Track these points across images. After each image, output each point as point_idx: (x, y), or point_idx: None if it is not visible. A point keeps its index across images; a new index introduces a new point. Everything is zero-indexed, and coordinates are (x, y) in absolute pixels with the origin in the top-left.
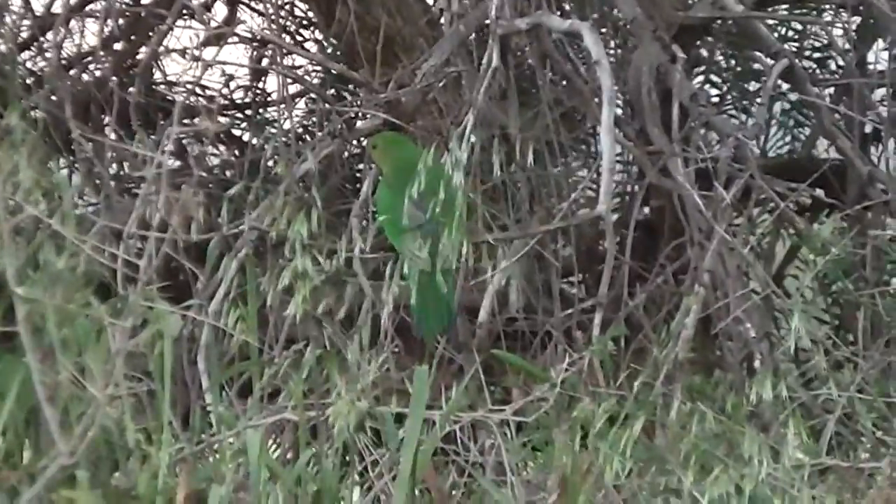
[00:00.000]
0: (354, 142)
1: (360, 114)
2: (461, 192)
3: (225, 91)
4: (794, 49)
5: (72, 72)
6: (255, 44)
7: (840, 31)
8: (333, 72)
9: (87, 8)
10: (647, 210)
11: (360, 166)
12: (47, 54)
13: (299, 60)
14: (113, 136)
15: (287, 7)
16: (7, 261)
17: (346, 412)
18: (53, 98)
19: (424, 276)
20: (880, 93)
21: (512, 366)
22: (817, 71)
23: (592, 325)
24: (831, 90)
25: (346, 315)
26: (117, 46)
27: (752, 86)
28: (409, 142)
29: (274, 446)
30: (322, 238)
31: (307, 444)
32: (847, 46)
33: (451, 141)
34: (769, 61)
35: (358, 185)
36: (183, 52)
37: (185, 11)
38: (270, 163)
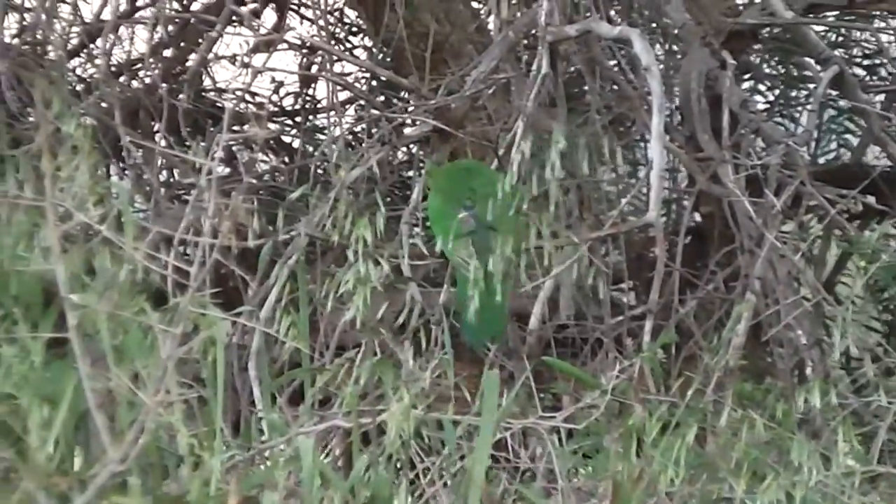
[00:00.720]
0: (403, 148)
1: (409, 120)
2: (515, 199)
3: (274, 98)
4: (843, 56)
5: (121, 78)
6: (304, 50)
7: (890, 38)
8: (382, 78)
9: (137, 15)
10: (697, 217)
11: (410, 172)
12: (97, 61)
13: (348, 67)
14: (162, 142)
15: (336, 14)
16: (58, 268)
17: (402, 419)
18: (103, 105)
19: (474, 296)
20: None
21: (562, 372)
22: (867, 77)
23: (643, 332)
24: (881, 97)
25: (394, 321)
26: (167, 53)
27: (796, 92)
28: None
29: (325, 453)
30: (383, 243)
31: (359, 452)
32: None
33: (501, 148)
34: (818, 68)
35: (407, 192)
36: (232, 59)
37: (234, 18)
38: (320, 170)
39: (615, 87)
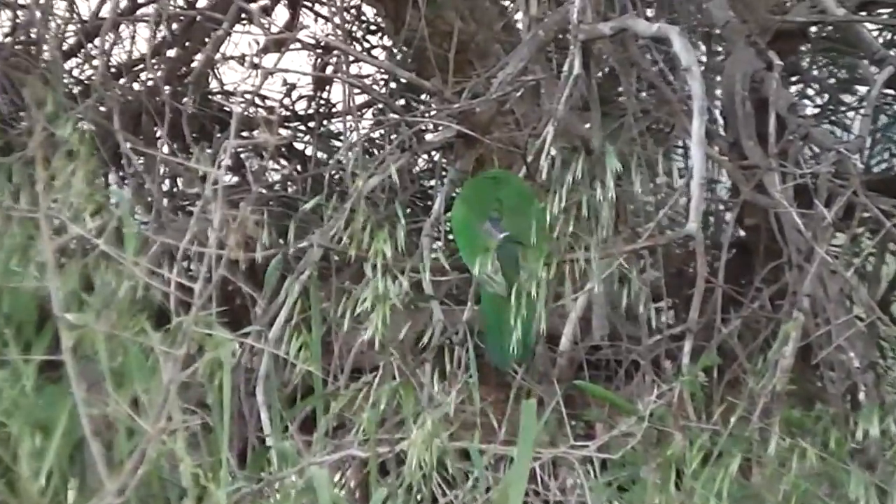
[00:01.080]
0: (425, 155)
1: (430, 125)
2: (543, 210)
3: (286, 101)
4: None
5: (121, 80)
6: (318, 50)
7: None
8: (403, 80)
9: (138, 12)
10: (741, 229)
11: (432, 181)
12: (95, 62)
13: (366, 68)
14: (165, 149)
15: (353, 11)
16: (53, 285)
17: (423, 448)
18: (101, 108)
19: (501, 301)
20: None
21: (595, 397)
22: None
23: (682, 353)
24: None
25: (414, 342)
26: (170, 53)
27: (848, 95)
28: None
29: (339, 485)
30: (403, 258)
31: (377, 483)
32: None
33: (530, 155)
34: (872, 69)
35: (429, 202)
36: (241, 60)
37: (242, 16)
38: (335, 178)
39: (653, 89)
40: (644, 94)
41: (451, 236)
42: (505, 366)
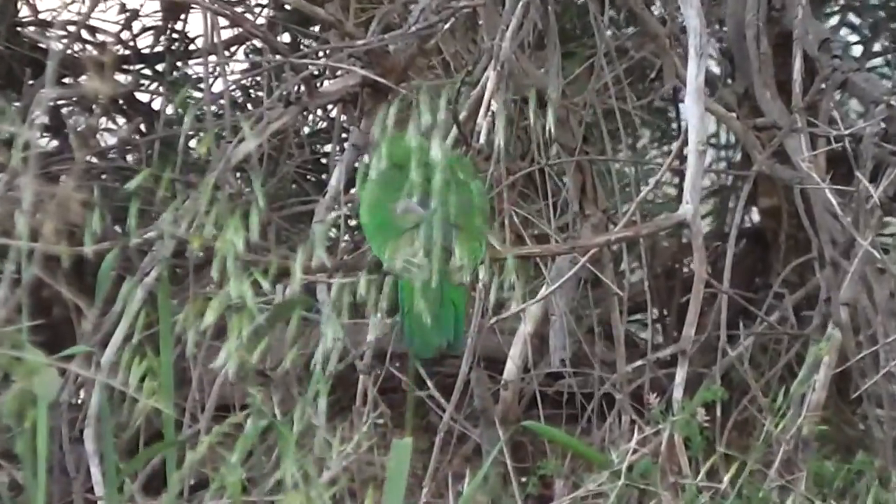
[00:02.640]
0: (319, 111)
1: (327, 69)
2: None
3: (125, 36)
4: None
5: None
6: None
7: None
8: (287, 7)
9: None
10: (755, 213)
11: (328, 147)
12: None
13: None
14: None
15: None
16: None
17: None
18: None
19: (423, 287)
20: None
21: (553, 444)
22: None
23: (673, 384)
24: None
25: (305, 367)
26: None
27: None
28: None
29: None
30: (270, 252)
31: None
32: None
33: (462, 110)
34: None
35: (324, 175)
36: None
37: None
38: (193, 142)
39: (634, 20)
40: (621, 27)
41: (357, 221)
42: (427, 353)
